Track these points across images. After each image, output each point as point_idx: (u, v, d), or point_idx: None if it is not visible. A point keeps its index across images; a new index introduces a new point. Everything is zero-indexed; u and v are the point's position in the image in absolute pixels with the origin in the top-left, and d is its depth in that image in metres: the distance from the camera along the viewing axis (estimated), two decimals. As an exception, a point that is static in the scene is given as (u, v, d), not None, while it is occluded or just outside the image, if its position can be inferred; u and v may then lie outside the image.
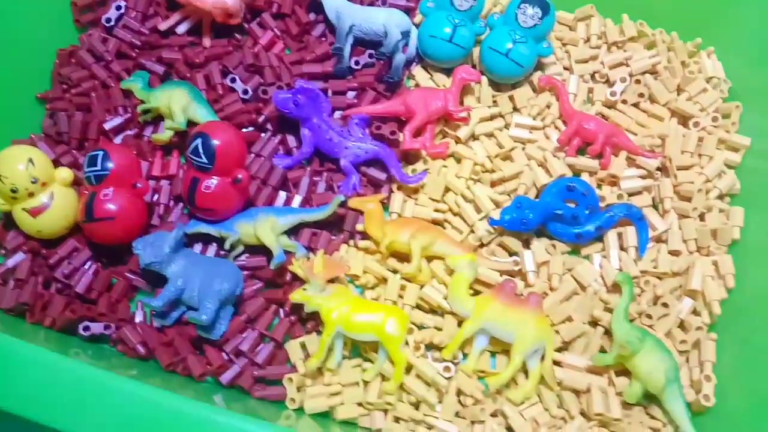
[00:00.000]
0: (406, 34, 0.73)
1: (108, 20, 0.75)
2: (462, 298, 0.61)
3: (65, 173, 0.65)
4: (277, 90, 0.67)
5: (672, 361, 0.59)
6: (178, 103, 0.68)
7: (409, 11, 0.77)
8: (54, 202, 0.63)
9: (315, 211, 0.65)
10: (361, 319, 0.60)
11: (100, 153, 0.63)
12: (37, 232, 0.64)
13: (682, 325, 0.63)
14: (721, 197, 0.68)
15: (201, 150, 0.61)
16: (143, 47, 0.75)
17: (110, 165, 0.63)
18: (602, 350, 0.62)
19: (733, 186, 0.68)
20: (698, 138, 0.69)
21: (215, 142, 0.61)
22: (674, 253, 0.66)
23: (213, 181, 0.62)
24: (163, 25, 0.75)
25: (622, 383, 0.61)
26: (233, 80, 0.72)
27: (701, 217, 0.67)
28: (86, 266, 0.66)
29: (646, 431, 0.60)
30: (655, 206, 0.69)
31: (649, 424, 0.60)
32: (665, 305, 0.62)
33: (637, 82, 0.73)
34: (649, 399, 0.61)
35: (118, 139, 0.71)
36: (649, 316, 0.62)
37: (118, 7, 0.75)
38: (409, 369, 0.60)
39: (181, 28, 0.76)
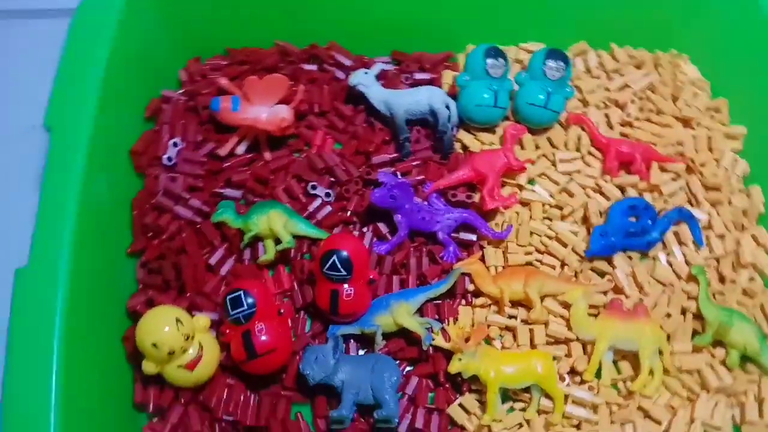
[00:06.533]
0: (447, 107, 0.81)
1: (169, 159, 0.77)
2: (586, 325, 0.71)
3: (204, 320, 0.68)
4: (373, 189, 0.73)
5: (756, 326, 0.72)
6: (279, 224, 0.72)
7: (432, 82, 0.85)
8: (204, 350, 0.66)
9: (438, 286, 0.72)
10: (514, 370, 0.68)
11: (240, 293, 0.66)
12: (194, 383, 0.67)
13: (744, 293, 0.77)
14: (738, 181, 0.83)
15: (339, 265, 0.66)
16: (206, 176, 0.78)
17: (252, 301, 0.66)
18: (695, 332, 0.75)
19: (746, 170, 0.83)
20: (707, 136, 0.84)
21: (345, 253, 0.67)
22: (720, 236, 0.79)
23: (351, 289, 0.68)
24: (223, 150, 0.78)
25: (720, 352, 0.74)
26: (314, 187, 0.77)
27: (729, 202, 0.81)
28: (242, 398, 0.69)
29: (747, 386, 0.73)
30: (689, 201, 0.83)
31: (747, 379, 0.74)
32: (733, 282, 0.76)
33: (641, 98, 0.86)
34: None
35: (223, 271, 0.74)
36: (722, 293, 0.76)
37: (175, 144, 0.77)
38: (565, 399, 0.70)
39: (241, 149, 0.79)
